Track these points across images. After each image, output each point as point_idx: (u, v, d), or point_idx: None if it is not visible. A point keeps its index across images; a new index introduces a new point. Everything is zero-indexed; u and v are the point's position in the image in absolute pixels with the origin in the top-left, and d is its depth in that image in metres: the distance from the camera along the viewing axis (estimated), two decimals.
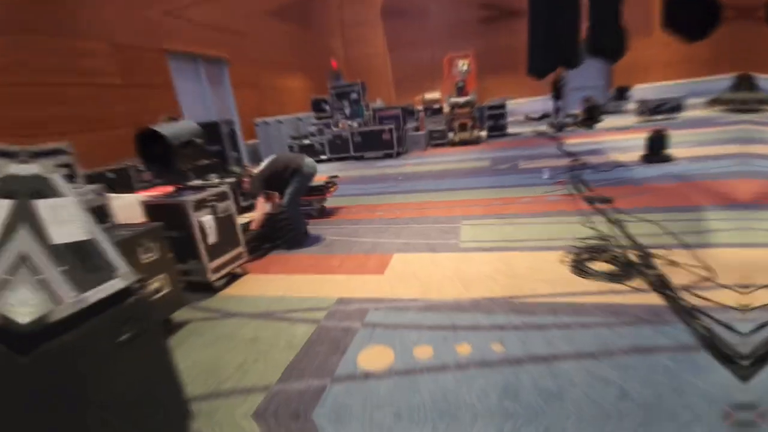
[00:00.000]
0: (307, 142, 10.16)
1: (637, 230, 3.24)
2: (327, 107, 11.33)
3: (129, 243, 2.28)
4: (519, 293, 2.52)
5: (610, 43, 5.74)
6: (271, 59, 12.10)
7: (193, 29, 8.96)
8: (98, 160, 6.38)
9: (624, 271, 2.59)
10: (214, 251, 3.06)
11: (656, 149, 5.26)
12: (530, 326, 2.16)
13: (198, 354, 2.29)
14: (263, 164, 3.90)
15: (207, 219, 2.96)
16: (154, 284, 2.42)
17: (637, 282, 2.47)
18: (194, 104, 9.09)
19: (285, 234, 4.08)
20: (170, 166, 2.84)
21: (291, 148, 10.24)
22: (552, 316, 2.24)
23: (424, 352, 2.05)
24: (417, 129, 10.84)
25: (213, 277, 3.05)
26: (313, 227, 4.50)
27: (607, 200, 4.02)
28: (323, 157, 10.10)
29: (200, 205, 2.94)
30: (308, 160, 3.91)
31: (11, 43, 5.42)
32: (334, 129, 10.13)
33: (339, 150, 9.89)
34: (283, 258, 3.71)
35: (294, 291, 2.98)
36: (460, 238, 3.62)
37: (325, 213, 5.07)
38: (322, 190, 4.82)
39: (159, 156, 2.87)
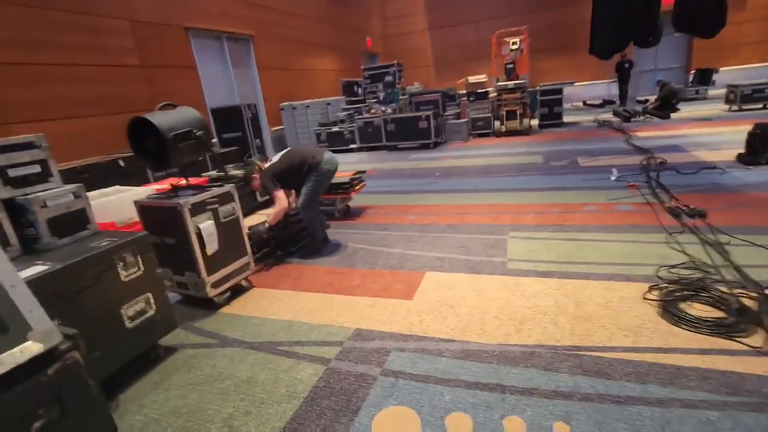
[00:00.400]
0: (335, 129, 9.85)
1: (746, 258, 2.64)
2: (359, 91, 10.95)
3: (105, 258, 2.01)
4: (590, 343, 2.04)
5: (705, 15, 4.94)
6: (301, 38, 11.82)
7: (218, 4, 8.80)
8: (112, 146, 6.36)
9: (736, 319, 2.04)
10: (215, 263, 2.78)
11: (761, 148, 4.47)
12: (607, 398, 1.69)
13: (181, 398, 2.00)
14: (275, 158, 3.58)
15: (206, 225, 2.67)
16: (136, 306, 2.15)
17: (758, 338, 1.93)
18: (217, 87, 8.98)
19: (300, 240, 3.76)
20: (164, 162, 2.56)
21: (318, 136, 9.98)
22: (638, 383, 1.75)
23: (459, 425, 1.64)
24: (458, 116, 10.25)
25: (212, 293, 2.77)
26: (335, 231, 4.16)
27: (698, 213, 3.39)
28: (352, 146, 9.76)
29: (199, 208, 2.65)
30: (328, 155, 3.54)
31: (22, 15, 5.39)
32: (366, 115, 9.74)
33: (370, 139, 9.51)
34: (297, 269, 3.39)
35: (304, 315, 2.64)
36: (508, 255, 3.14)
37: (349, 214, 4.71)
38: (347, 187, 4.46)
39: (153, 149, 2.59)
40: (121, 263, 2.07)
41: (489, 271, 2.93)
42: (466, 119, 10.01)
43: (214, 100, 8.70)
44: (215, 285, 2.79)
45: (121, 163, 5.36)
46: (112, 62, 6.70)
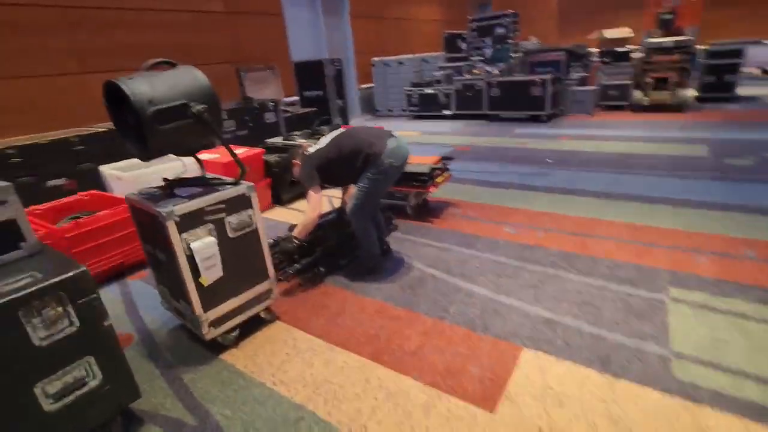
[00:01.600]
0: (429, 91, 8.56)
1: None
2: (462, 46, 9.38)
3: (7, 313, 1.28)
4: None
5: None
6: None
7: None
8: None
9: None
10: (218, 293, 1.99)
11: None
12: None
13: None
14: (324, 140, 2.62)
15: (202, 245, 1.85)
16: (66, 378, 1.43)
17: None
18: (304, 37, 8.20)
19: (347, 255, 2.84)
20: (145, 144, 1.74)
21: (409, 97, 8.81)
22: None
23: None
24: (583, 82, 8.22)
25: (212, 333, 2.01)
26: (402, 237, 3.16)
27: None
28: (447, 112, 8.43)
29: (193, 220, 1.83)
30: (393, 144, 2.48)
31: None
32: (466, 76, 8.26)
33: (468, 105, 8.07)
34: (340, 296, 2.50)
35: (324, 399, 1.75)
36: (672, 344, 1.87)
37: (425, 211, 3.65)
38: (426, 180, 3.37)
39: (134, 128, 1.78)
40: (36, 320, 1.34)
41: (638, 376, 1.71)
42: (594, 86, 7.96)
43: (300, 52, 7.97)
44: (216, 323, 2.02)
45: None
46: (195, 7, 6.20)
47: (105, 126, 4.47)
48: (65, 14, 4.84)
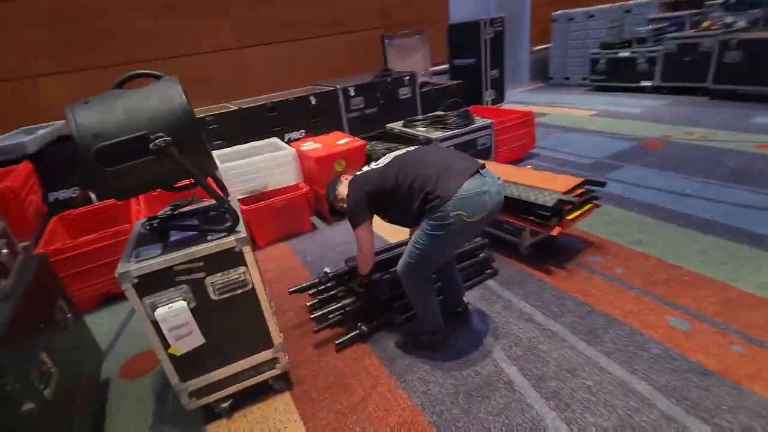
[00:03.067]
0: (624, 54, 6.46)
1: None
2: None
3: None
4: None
5: None
6: None
7: None
8: (332, 71, 5.81)
9: None
10: (202, 360, 1.63)
11: None
12: None
13: None
14: (384, 160, 1.87)
15: (168, 313, 1.47)
16: None
17: None
18: None
19: (406, 309, 2.14)
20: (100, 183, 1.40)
21: (594, 63, 6.86)
22: None
23: None
24: None
25: (194, 404, 1.69)
26: (496, 289, 2.28)
27: None
28: (646, 84, 6.27)
29: (160, 280, 1.46)
30: (472, 188, 1.60)
31: None
32: (689, 32, 5.85)
33: (683, 74, 5.77)
34: (366, 377, 1.88)
35: None
36: None
37: (545, 251, 2.59)
38: (548, 215, 2.31)
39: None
40: None
41: None
42: None
43: (462, 10, 6.90)
44: (201, 393, 1.69)
45: (313, 100, 4.72)
46: None
47: (236, 104, 4.64)
48: None
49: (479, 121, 3.91)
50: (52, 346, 1.60)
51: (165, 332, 1.49)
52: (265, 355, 1.74)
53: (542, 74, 8.32)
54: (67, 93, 4.42)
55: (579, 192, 2.38)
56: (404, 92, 5.25)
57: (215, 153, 3.61)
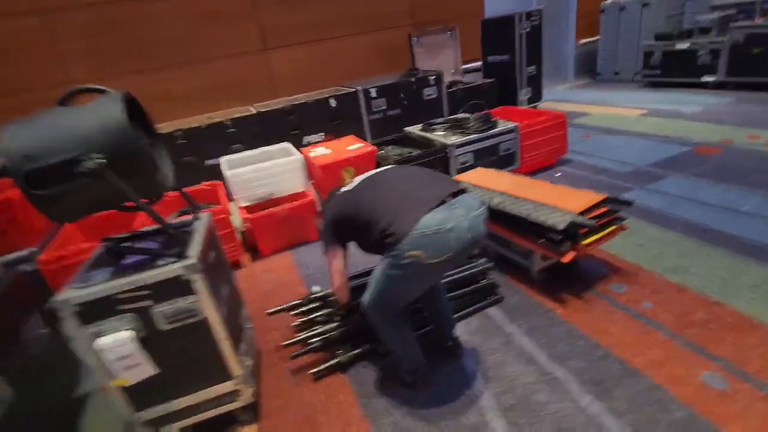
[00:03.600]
0: (682, 46, 5.78)
1: None
2: None
3: None
4: None
5: None
6: None
7: None
8: (360, 71, 5.65)
9: None
10: (157, 390, 1.53)
11: None
12: None
13: None
14: (349, 186, 1.68)
15: (112, 342, 1.38)
16: None
17: None
18: None
19: (379, 349, 1.94)
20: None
21: (648, 57, 6.22)
22: None
23: None
24: None
25: None
26: (499, 319, 2.02)
27: None
28: (708, 79, 5.58)
29: (102, 309, 1.37)
30: (435, 222, 1.37)
31: None
32: (757, 21, 5.11)
33: (750, 69, 5.07)
34: (337, 417, 1.70)
35: None
36: None
37: (561, 276, 2.27)
38: (559, 238, 2.01)
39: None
40: None
41: None
42: None
43: (501, 5, 6.50)
44: (158, 423, 1.59)
45: (333, 102, 4.59)
46: None
47: (258, 107, 4.61)
48: None
49: (502, 125, 3.60)
50: (15, 366, 1.57)
51: (110, 363, 1.40)
52: (225, 386, 1.62)
53: (589, 69, 7.70)
54: None
55: (600, 211, 2.05)
56: (429, 92, 5.00)
57: (225, 158, 3.61)
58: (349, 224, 1.56)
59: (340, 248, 1.63)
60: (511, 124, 3.59)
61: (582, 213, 2.00)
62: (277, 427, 1.71)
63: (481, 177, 2.62)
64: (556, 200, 2.12)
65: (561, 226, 1.93)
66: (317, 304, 2.15)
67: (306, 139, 4.57)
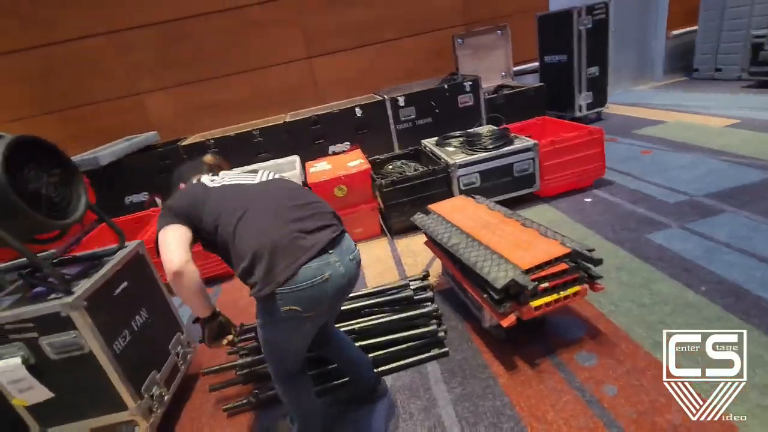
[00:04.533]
0: None
1: None
2: None
3: None
4: None
5: None
6: None
7: None
8: (410, 74, 5.44)
9: None
10: (61, 410, 1.64)
11: None
12: None
13: None
14: (214, 182, 1.48)
15: (6, 366, 1.50)
16: None
17: None
18: None
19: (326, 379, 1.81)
20: None
21: (757, 49, 5.04)
22: None
23: None
24: None
25: None
26: (433, 376, 1.79)
27: None
28: None
29: None
30: (309, 271, 1.23)
31: None
32: None
33: None
34: None
35: None
36: None
37: (525, 329, 1.93)
38: (498, 298, 1.69)
39: None
40: None
41: None
42: None
43: None
44: None
45: (359, 112, 4.51)
46: None
47: (288, 116, 4.72)
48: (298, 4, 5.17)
49: (519, 142, 3.19)
50: None
51: (4, 385, 1.53)
52: (121, 416, 1.67)
53: (685, 66, 6.52)
54: (166, 105, 5.13)
55: (558, 269, 1.68)
56: (464, 100, 4.64)
57: (235, 171, 3.75)
58: (196, 227, 1.35)
59: (186, 227, 1.33)
60: (529, 142, 3.16)
61: (531, 269, 1.66)
62: None
63: (455, 208, 2.33)
64: (511, 249, 1.79)
65: (499, 284, 1.62)
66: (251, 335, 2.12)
67: (331, 148, 4.57)
